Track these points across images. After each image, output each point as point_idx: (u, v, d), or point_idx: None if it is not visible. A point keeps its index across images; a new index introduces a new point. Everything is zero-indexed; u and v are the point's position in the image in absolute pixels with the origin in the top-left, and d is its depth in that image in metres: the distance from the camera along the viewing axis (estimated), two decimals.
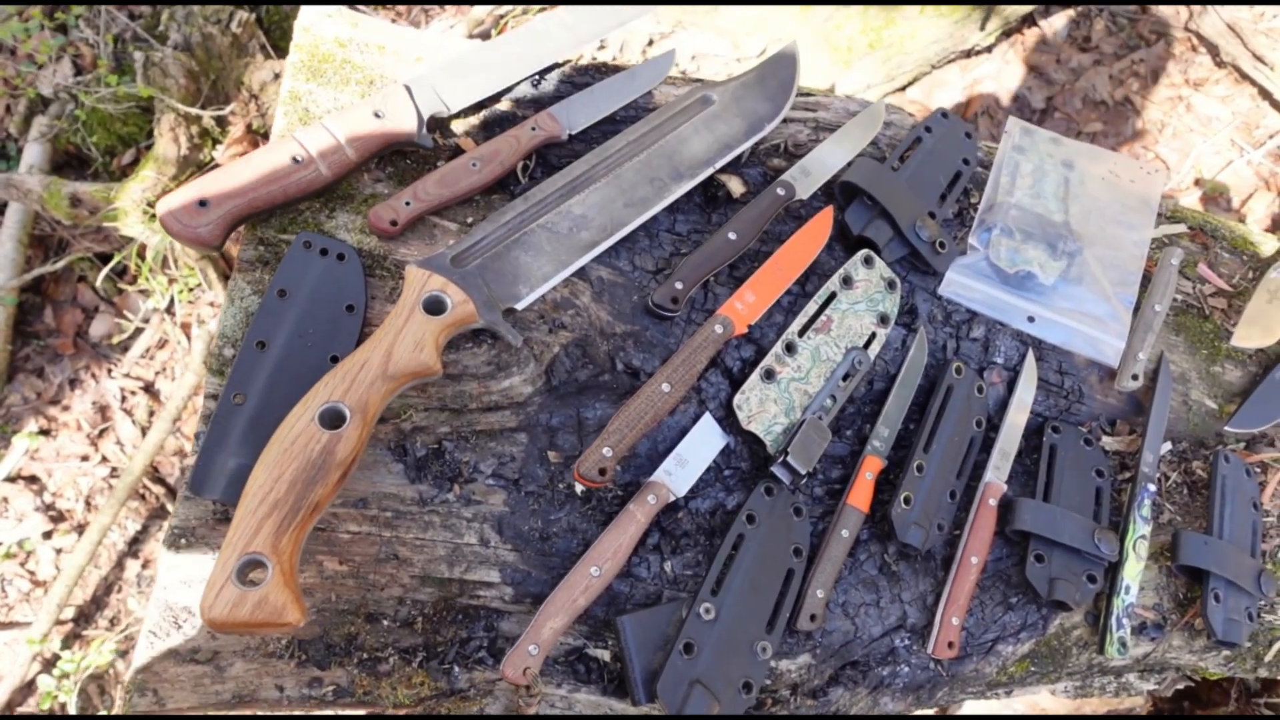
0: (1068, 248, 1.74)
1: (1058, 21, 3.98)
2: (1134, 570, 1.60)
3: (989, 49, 3.97)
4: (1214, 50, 3.90)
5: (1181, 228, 1.88)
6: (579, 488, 1.48)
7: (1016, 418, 1.67)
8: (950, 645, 1.53)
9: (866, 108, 1.83)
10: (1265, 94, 3.87)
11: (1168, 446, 1.74)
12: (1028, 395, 1.69)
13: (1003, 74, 4.00)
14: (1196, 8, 3.88)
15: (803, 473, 1.50)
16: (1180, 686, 1.73)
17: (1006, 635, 1.59)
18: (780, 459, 1.50)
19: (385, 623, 1.40)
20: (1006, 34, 3.97)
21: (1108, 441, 1.72)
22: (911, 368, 1.65)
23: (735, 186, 1.70)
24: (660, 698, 1.34)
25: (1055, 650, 1.62)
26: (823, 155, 1.74)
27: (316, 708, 1.39)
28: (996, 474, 1.63)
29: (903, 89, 3.89)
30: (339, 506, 1.39)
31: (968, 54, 3.95)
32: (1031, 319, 1.71)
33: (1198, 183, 3.80)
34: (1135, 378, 1.70)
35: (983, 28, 3.51)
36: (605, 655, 1.47)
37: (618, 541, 1.42)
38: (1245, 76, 3.89)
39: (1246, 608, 1.63)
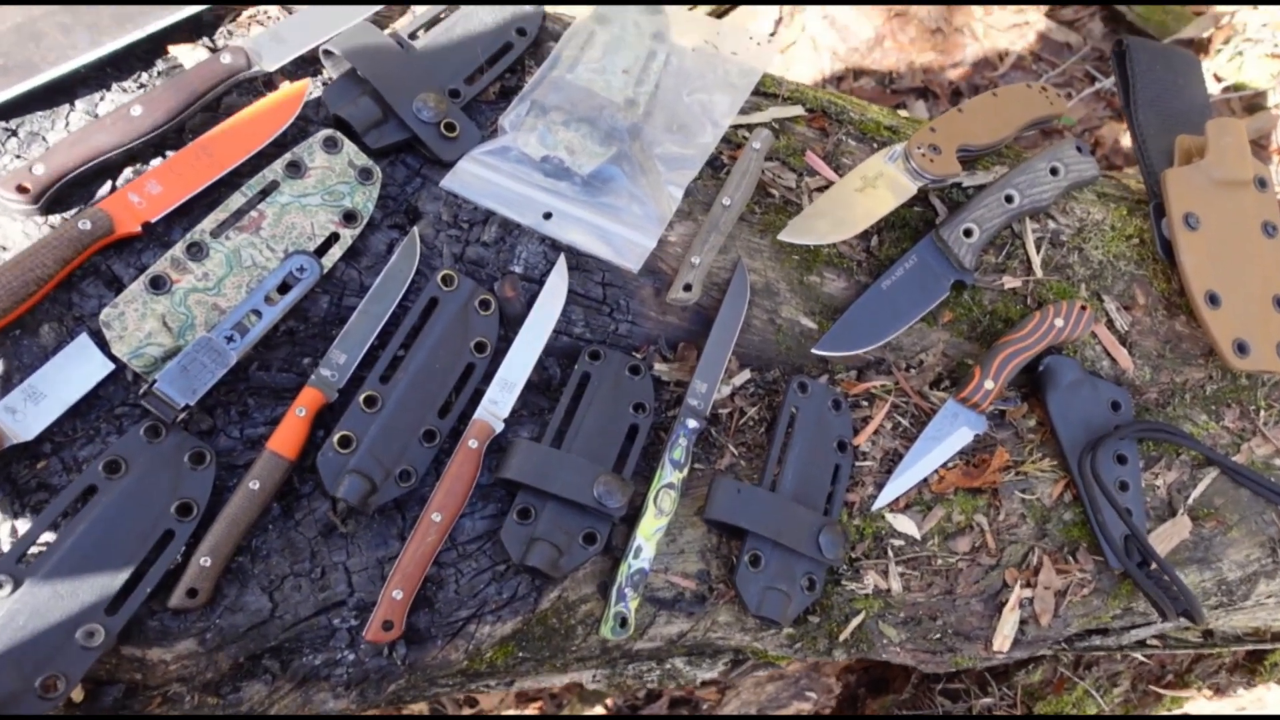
0: (620, 131, 1.39)
1: None
2: (650, 528, 1.25)
3: None
4: None
5: (798, 110, 1.52)
6: None
7: (526, 339, 1.33)
8: (389, 626, 1.19)
9: None
10: (1120, 19, 3.52)
11: (745, 375, 1.40)
12: (548, 311, 1.34)
13: None
14: None
15: (180, 405, 1.16)
16: (763, 674, 1.38)
17: (485, 612, 1.25)
18: (148, 387, 1.16)
19: None
20: None
21: (662, 369, 1.37)
22: (388, 279, 1.31)
23: (188, 57, 1.36)
24: None
25: (554, 630, 1.27)
26: (306, 20, 1.39)
27: None
28: (491, 410, 1.29)
29: (719, 15, 3.52)
30: None
31: None
32: (549, 215, 1.36)
33: None
34: (688, 288, 1.35)
35: None
36: None
37: None
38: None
39: (808, 574, 1.28)
